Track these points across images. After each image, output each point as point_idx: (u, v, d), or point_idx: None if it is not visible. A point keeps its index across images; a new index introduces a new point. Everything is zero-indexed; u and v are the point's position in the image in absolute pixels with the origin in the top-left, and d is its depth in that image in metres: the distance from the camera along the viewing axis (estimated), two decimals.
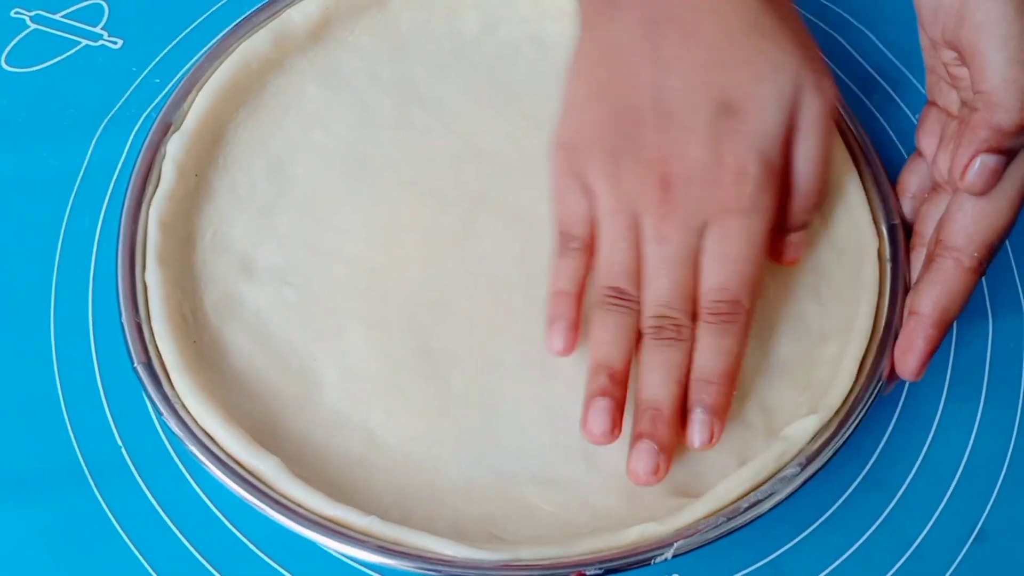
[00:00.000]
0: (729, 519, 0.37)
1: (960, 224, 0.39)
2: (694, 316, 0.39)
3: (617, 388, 0.38)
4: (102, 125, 0.49)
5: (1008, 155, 0.37)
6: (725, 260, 0.38)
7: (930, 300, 0.40)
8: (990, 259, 0.40)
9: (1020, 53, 0.35)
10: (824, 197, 0.43)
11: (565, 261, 0.40)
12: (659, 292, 0.38)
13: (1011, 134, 0.36)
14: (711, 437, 0.38)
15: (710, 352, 0.38)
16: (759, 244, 0.39)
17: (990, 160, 0.36)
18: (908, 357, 0.40)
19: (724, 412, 0.38)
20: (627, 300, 0.39)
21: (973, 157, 0.36)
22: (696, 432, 0.38)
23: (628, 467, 0.38)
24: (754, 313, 0.39)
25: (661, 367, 0.38)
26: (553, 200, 0.41)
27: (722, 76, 0.38)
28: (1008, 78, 0.36)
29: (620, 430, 0.38)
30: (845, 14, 0.54)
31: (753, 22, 0.38)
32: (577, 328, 0.39)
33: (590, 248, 0.40)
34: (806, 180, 0.40)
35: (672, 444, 0.38)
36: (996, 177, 0.37)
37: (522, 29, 0.51)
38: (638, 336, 0.39)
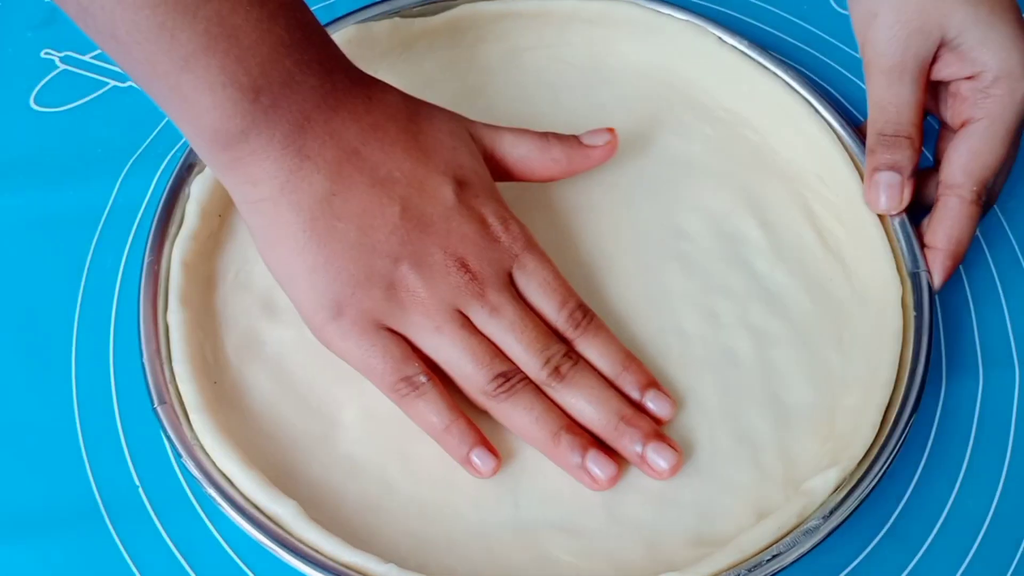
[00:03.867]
0: (750, 571, 0.37)
1: (957, 164, 0.45)
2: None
3: (583, 436, 0.40)
4: (128, 165, 0.49)
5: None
6: (545, 287, 0.41)
7: (943, 234, 0.44)
8: (986, 194, 0.45)
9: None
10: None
11: (425, 398, 0.39)
12: (529, 347, 0.40)
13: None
14: (671, 403, 0.41)
15: (600, 351, 0.41)
16: (549, 259, 0.42)
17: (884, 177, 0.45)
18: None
19: (656, 381, 0.42)
20: (514, 376, 0.40)
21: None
22: (659, 407, 0.41)
23: (653, 467, 0.39)
24: None
25: (588, 392, 0.40)
26: (362, 363, 0.40)
27: (432, 163, 0.41)
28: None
29: (618, 464, 0.40)
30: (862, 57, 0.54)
31: (408, 108, 0.42)
32: (489, 443, 0.40)
33: (433, 372, 0.40)
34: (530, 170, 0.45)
35: (657, 429, 0.40)
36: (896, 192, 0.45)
37: (546, 53, 0.51)
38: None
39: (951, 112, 0.47)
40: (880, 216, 0.46)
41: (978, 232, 0.49)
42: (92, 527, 0.41)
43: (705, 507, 0.40)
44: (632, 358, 0.41)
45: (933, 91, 0.48)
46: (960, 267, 0.48)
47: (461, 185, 0.41)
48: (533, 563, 0.38)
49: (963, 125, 0.45)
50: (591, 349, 0.41)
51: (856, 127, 0.48)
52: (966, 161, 0.44)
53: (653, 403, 0.41)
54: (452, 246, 0.40)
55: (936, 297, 0.44)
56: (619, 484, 0.40)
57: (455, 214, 0.40)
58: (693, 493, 0.40)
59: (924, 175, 0.48)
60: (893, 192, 0.45)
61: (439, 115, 0.43)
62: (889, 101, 0.45)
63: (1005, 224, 0.49)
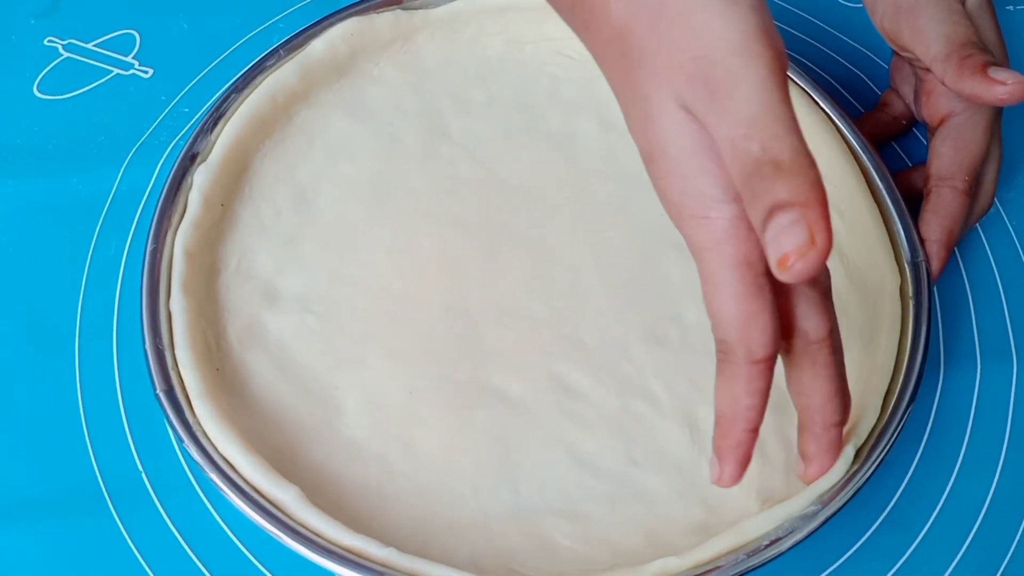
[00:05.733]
0: (749, 556, 0.37)
1: (947, 157, 0.46)
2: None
3: None
4: (131, 153, 0.49)
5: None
6: None
7: (937, 225, 0.45)
8: (974, 183, 0.46)
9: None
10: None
11: None
12: None
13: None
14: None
15: None
16: None
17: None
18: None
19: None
20: None
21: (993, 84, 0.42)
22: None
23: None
24: None
25: None
26: None
27: None
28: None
29: None
30: (864, 49, 0.54)
31: None
32: None
33: None
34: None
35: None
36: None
37: (547, 46, 0.51)
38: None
39: (928, 110, 0.47)
40: (880, 207, 0.46)
41: (977, 224, 0.49)
42: (95, 512, 0.41)
43: (709, 495, 0.40)
44: None
45: (907, 89, 0.49)
46: (959, 258, 0.48)
47: None
48: (532, 547, 0.39)
49: (942, 120, 0.46)
50: None
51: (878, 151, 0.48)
52: (955, 153, 0.45)
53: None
54: None
55: (934, 287, 0.45)
56: (623, 474, 0.40)
57: None
58: (698, 481, 0.40)
59: (910, 170, 0.49)
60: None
61: None
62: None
63: (1004, 215, 0.50)
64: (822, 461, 0.37)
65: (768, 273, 0.32)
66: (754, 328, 0.32)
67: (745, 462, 0.35)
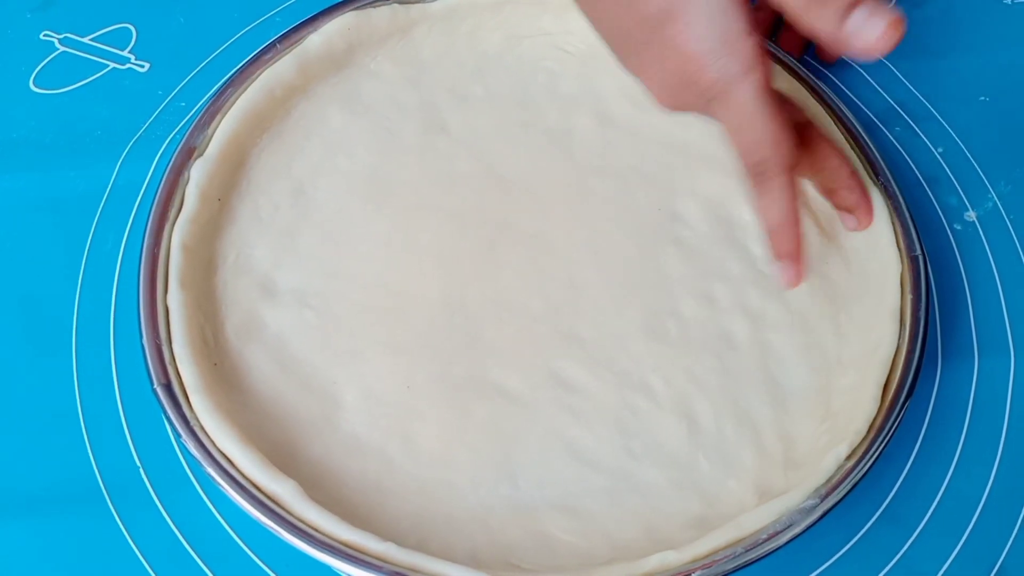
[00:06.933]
0: (748, 550, 0.37)
1: None
2: None
3: None
4: (127, 147, 0.49)
5: None
6: None
7: None
8: None
9: None
10: None
11: None
12: None
13: None
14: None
15: None
16: None
17: None
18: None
19: None
20: None
21: None
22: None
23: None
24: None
25: None
26: None
27: None
28: None
29: None
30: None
31: None
32: None
33: None
34: None
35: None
36: None
37: (545, 41, 0.51)
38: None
39: None
40: (878, 199, 0.46)
41: (975, 218, 0.49)
42: (93, 507, 0.41)
43: (707, 489, 0.40)
44: None
45: None
46: (956, 252, 0.48)
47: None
48: (531, 542, 0.39)
49: None
50: None
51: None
52: None
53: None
54: None
55: (932, 282, 0.44)
56: (621, 468, 0.41)
57: None
58: (696, 474, 0.41)
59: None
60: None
61: None
62: None
63: (1002, 210, 0.50)
64: (866, 202, 0.44)
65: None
66: (783, 139, 0.38)
67: (801, 260, 0.41)
